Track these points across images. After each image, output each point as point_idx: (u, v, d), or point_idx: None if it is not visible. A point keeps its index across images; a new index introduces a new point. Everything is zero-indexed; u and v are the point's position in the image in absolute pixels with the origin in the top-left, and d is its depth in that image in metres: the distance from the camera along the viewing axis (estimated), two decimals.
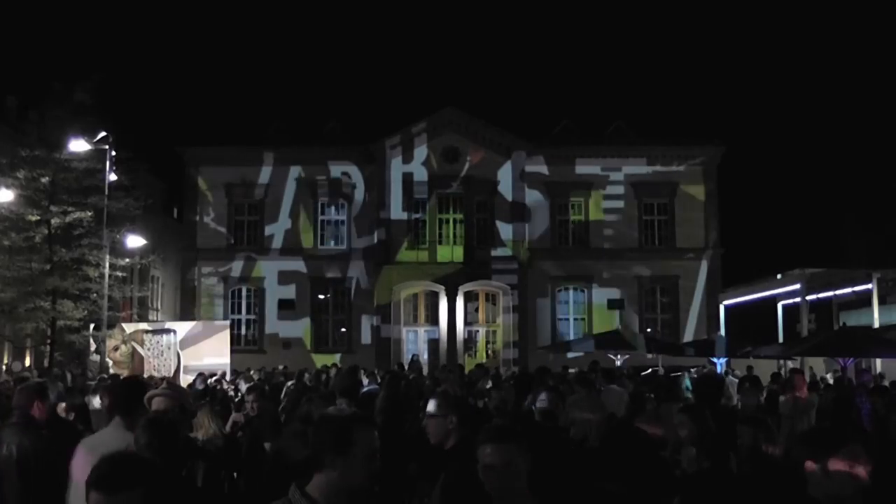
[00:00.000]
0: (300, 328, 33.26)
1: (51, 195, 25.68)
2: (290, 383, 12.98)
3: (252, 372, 19.89)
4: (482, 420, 5.20)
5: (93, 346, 26.23)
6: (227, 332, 20.52)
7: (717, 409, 6.96)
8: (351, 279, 33.48)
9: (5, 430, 5.16)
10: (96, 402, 9.19)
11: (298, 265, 33.18)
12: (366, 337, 32.85)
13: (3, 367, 22.87)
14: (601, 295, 33.35)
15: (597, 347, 21.25)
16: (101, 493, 2.32)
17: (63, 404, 7.58)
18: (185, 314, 32.43)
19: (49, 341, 26.04)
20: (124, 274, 28.21)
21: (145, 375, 16.69)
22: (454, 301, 32.87)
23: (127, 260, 27.58)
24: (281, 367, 23.30)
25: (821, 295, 26.81)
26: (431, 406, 4.38)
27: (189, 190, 34.47)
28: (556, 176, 33.54)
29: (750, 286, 31.71)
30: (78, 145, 24.29)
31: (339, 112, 36.96)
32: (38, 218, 25.35)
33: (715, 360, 21.32)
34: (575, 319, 33.74)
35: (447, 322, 33.02)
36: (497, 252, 33.30)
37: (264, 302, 33.72)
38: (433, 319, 34.27)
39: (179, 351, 19.19)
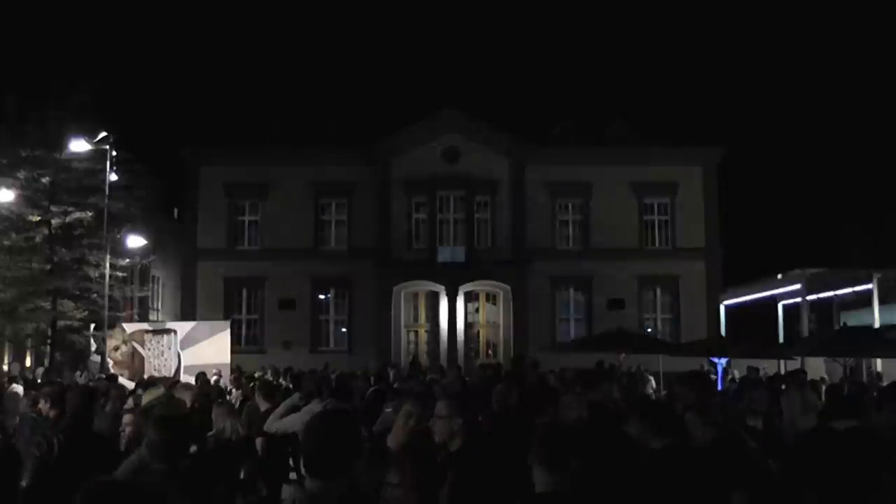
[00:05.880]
0: (300, 328, 33.24)
1: (51, 195, 25.66)
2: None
3: (261, 373, 20.01)
4: None
5: (93, 347, 26.20)
6: (228, 332, 20.43)
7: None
8: (351, 279, 33.45)
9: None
10: None
11: (298, 265, 33.12)
12: (366, 337, 32.80)
13: (5, 368, 22.86)
14: (601, 295, 33.35)
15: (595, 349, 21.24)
16: None
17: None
18: (185, 314, 32.38)
19: (49, 342, 26.03)
20: (125, 274, 28.19)
21: (146, 376, 16.70)
22: (454, 301, 32.83)
23: (127, 260, 27.56)
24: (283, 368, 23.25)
25: (821, 295, 26.87)
26: (440, 408, 4.69)
27: (189, 190, 34.45)
28: (555, 176, 33.46)
29: (750, 286, 31.76)
30: (78, 145, 24.24)
31: (339, 112, 36.92)
32: (39, 218, 25.33)
33: (716, 360, 21.35)
34: (575, 319, 33.72)
35: (447, 322, 33.00)
36: (497, 252, 33.28)
37: (264, 302, 33.71)
38: (433, 319, 34.26)
39: (180, 351, 19.16)
